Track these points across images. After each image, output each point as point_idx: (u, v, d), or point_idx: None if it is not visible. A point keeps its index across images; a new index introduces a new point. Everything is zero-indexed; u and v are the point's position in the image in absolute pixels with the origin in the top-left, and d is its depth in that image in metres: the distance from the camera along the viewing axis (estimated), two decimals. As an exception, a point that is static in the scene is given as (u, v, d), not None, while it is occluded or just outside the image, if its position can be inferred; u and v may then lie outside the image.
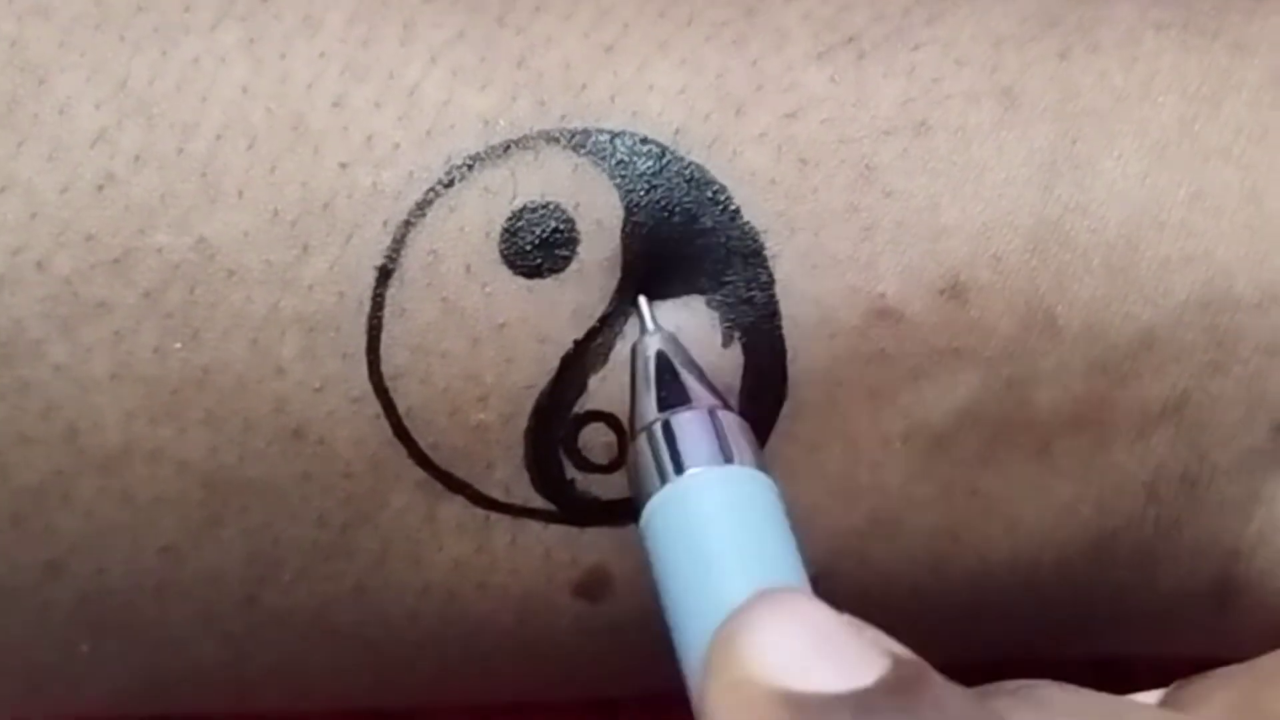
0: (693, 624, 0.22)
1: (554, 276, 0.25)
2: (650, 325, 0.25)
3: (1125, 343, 0.26)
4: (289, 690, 0.28)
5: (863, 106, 0.26)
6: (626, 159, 0.26)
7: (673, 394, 0.25)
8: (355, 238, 0.25)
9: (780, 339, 0.26)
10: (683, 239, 0.26)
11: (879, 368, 0.26)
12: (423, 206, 0.25)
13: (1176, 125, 0.26)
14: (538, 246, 0.25)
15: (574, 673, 0.28)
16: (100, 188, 0.25)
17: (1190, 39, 0.27)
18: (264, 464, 0.25)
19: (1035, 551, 0.27)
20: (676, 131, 0.26)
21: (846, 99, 0.26)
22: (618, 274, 0.25)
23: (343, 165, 0.25)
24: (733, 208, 0.26)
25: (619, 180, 0.26)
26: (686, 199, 0.26)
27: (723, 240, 0.26)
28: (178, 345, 0.25)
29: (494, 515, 0.26)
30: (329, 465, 0.25)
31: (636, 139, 0.26)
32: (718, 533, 0.23)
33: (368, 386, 0.25)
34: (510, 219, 0.25)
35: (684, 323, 0.26)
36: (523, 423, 0.26)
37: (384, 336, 0.25)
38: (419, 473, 0.26)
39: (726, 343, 0.26)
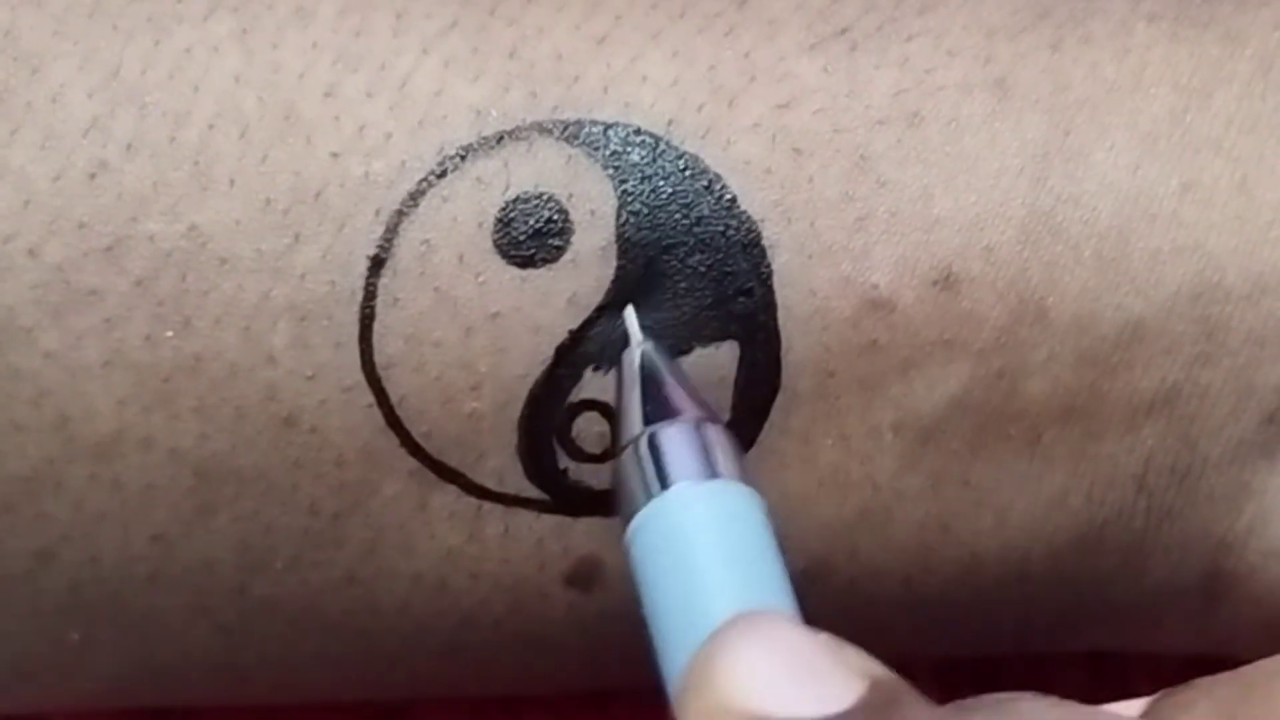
0: (675, 643, 0.22)
1: (547, 267, 0.25)
2: (637, 336, 0.25)
3: (1116, 334, 0.26)
4: (281, 680, 0.28)
5: (856, 97, 0.26)
6: (620, 150, 0.26)
7: (658, 406, 0.24)
8: (347, 227, 0.25)
9: (776, 330, 0.26)
10: (679, 229, 0.26)
11: (870, 358, 0.26)
12: (415, 196, 0.25)
13: (1168, 117, 0.26)
14: (531, 236, 0.25)
15: (566, 664, 0.28)
16: (92, 176, 0.25)
17: (1182, 30, 0.27)
18: (255, 452, 0.25)
19: (1025, 543, 0.27)
20: (670, 122, 0.26)
21: (839, 89, 0.26)
22: (614, 264, 0.25)
23: (335, 155, 0.25)
24: (729, 197, 0.26)
25: (612, 171, 0.26)
26: (681, 189, 0.26)
27: (720, 230, 0.26)
28: (169, 333, 0.25)
29: (486, 504, 0.26)
30: (321, 454, 0.25)
31: (630, 130, 0.26)
32: (701, 550, 0.22)
33: (360, 375, 0.25)
34: (503, 209, 0.25)
35: (680, 315, 0.26)
36: (516, 412, 0.26)
37: (376, 326, 0.25)
38: (411, 462, 0.26)
39: (723, 334, 0.26)
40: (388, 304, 0.25)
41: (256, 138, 0.25)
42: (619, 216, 0.26)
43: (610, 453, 0.26)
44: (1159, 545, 0.27)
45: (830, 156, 0.26)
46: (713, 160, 0.26)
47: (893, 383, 0.26)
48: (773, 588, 0.22)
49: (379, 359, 0.25)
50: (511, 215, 0.25)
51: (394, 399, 0.25)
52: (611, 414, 0.26)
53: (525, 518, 0.26)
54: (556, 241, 0.25)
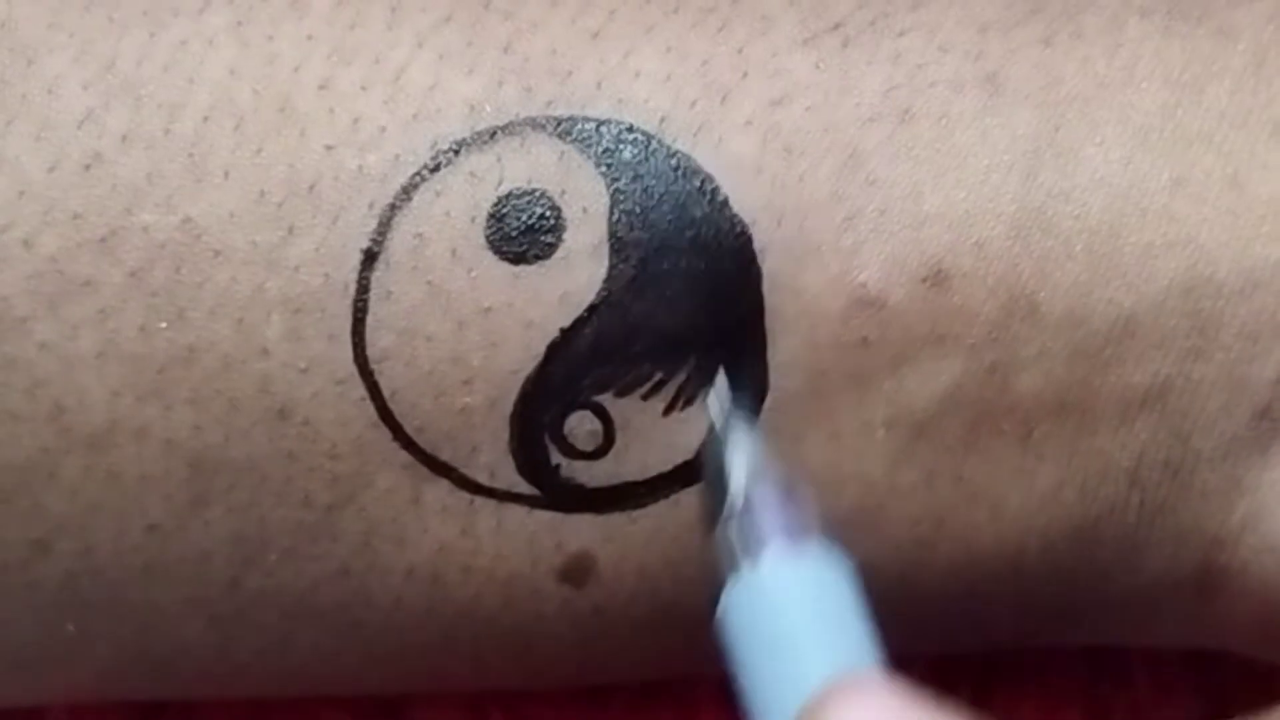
0: (773, 709, 0.22)
1: (540, 263, 0.25)
2: (719, 419, 0.25)
3: (1107, 329, 0.26)
4: (275, 673, 0.28)
5: (847, 93, 0.26)
6: (612, 148, 0.26)
7: (737, 481, 0.24)
8: (341, 220, 0.25)
9: (763, 330, 0.26)
10: (671, 230, 0.26)
11: (861, 355, 0.26)
12: (408, 190, 0.25)
13: (1159, 111, 0.26)
14: (523, 232, 0.25)
15: (559, 660, 0.28)
16: (87, 167, 0.25)
17: (1174, 25, 0.27)
18: (249, 444, 0.25)
19: (1019, 538, 0.27)
20: (662, 119, 0.26)
21: (831, 86, 0.26)
22: (605, 263, 0.26)
23: (329, 147, 0.25)
24: (720, 198, 0.26)
25: (605, 169, 0.26)
26: (673, 189, 0.26)
27: (711, 232, 0.26)
28: (163, 324, 0.25)
29: (479, 499, 0.26)
30: (314, 446, 0.26)
31: (622, 127, 0.26)
32: (793, 616, 0.23)
33: (353, 368, 0.25)
34: (496, 204, 0.25)
35: (672, 315, 0.26)
36: (508, 407, 0.26)
37: (369, 319, 0.25)
38: (404, 455, 0.26)
39: (715, 332, 0.26)
40: (381, 297, 0.25)
41: (251, 130, 0.25)
42: (611, 215, 0.26)
43: (602, 451, 0.26)
44: (1152, 540, 0.27)
45: (821, 155, 0.26)
46: (704, 159, 0.26)
47: (884, 379, 0.26)
48: (865, 650, 0.23)
49: (372, 352, 0.25)
50: (504, 210, 0.26)
51: (387, 393, 0.25)
52: (605, 415, 0.26)
53: (518, 513, 0.26)
54: (549, 238, 0.26)
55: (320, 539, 0.26)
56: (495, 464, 0.26)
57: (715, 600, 0.23)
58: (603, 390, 0.26)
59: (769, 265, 0.25)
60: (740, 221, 0.26)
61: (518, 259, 0.25)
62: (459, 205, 0.25)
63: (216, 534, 0.26)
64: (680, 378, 0.26)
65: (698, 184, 0.26)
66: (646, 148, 0.26)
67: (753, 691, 0.23)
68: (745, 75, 0.26)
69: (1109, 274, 0.26)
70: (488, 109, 0.26)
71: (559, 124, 0.26)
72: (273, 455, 0.26)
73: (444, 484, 0.26)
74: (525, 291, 0.25)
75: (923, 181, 0.26)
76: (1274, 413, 0.26)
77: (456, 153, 0.25)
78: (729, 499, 0.24)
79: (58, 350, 0.25)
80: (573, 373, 0.26)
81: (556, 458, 0.26)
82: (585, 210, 0.26)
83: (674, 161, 0.26)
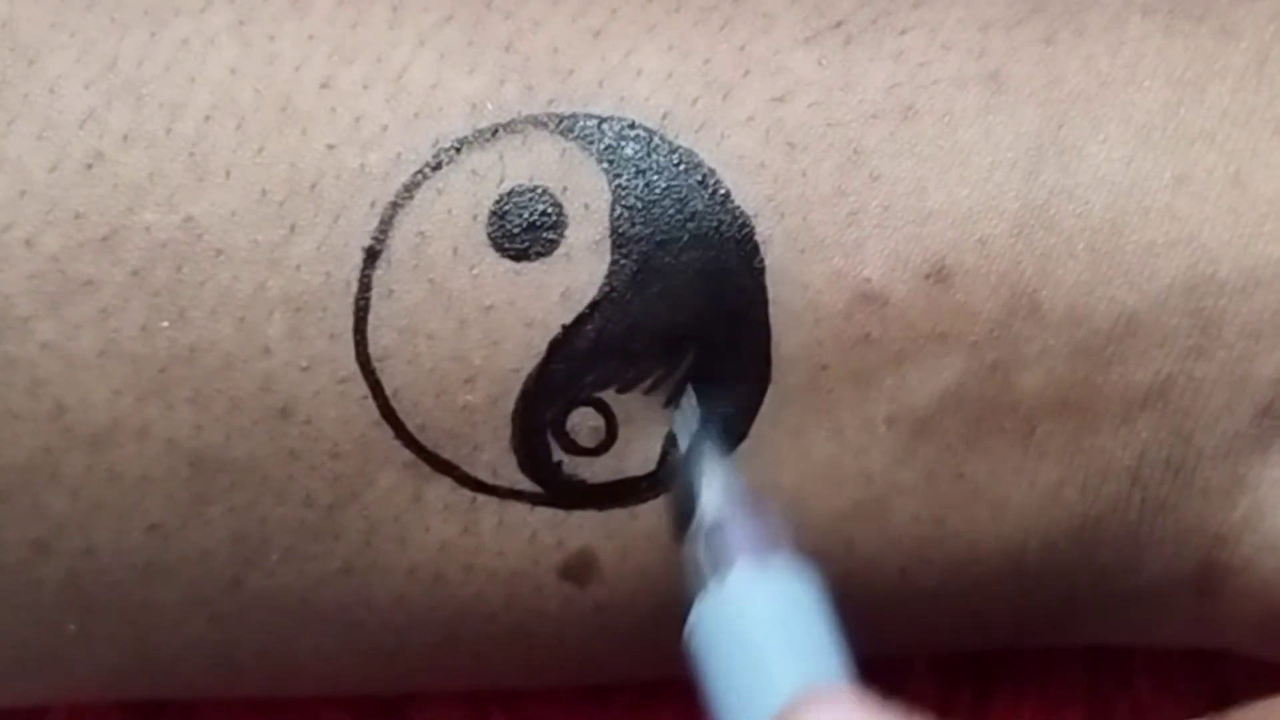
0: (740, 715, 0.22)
1: (541, 260, 0.25)
2: (686, 440, 0.26)
3: (1109, 327, 0.26)
4: (277, 673, 0.28)
5: (850, 90, 0.26)
6: (614, 143, 0.26)
7: (713, 491, 0.25)
8: (342, 218, 0.25)
9: (768, 324, 0.26)
10: (673, 224, 0.26)
11: (863, 352, 0.26)
12: (410, 188, 0.25)
13: (1161, 110, 0.26)
14: (525, 229, 0.25)
15: (562, 658, 0.28)
16: (89, 166, 0.25)
17: (1176, 24, 0.27)
18: (250, 443, 0.25)
19: (1021, 536, 0.27)
20: (664, 116, 0.26)
21: (834, 83, 0.26)
22: (607, 258, 0.26)
23: (330, 146, 0.25)
24: (722, 191, 0.26)
25: (607, 165, 0.26)
26: (675, 183, 0.26)
27: (714, 225, 0.26)
28: (165, 324, 0.25)
29: (480, 497, 0.26)
30: (316, 445, 0.26)
31: (624, 124, 0.26)
32: (762, 629, 0.23)
33: (355, 367, 0.25)
34: (498, 202, 0.25)
35: (673, 309, 0.26)
36: (510, 405, 0.26)
37: (371, 317, 0.25)
38: (406, 454, 0.26)
39: (717, 327, 0.26)
40: (382, 295, 0.25)
41: (252, 129, 0.25)
42: (613, 211, 0.26)
43: (604, 447, 0.26)
44: (1153, 538, 0.27)
45: (824, 150, 0.26)
46: (707, 154, 0.26)
47: (886, 376, 0.26)
48: (832, 662, 0.23)
49: (373, 351, 0.25)
50: (506, 208, 0.26)
51: (388, 391, 0.25)
52: (607, 411, 0.26)
53: (519, 510, 0.26)
54: (550, 235, 0.26)
55: (322, 538, 0.26)
56: (497, 462, 0.26)
57: (684, 615, 0.24)
58: (605, 386, 0.26)
59: (772, 258, 0.26)
60: (743, 214, 0.26)
61: (519, 256, 0.25)
62: (461, 203, 0.25)
63: (218, 533, 0.26)
64: (682, 373, 0.26)
65: (699, 178, 0.26)
66: (649, 144, 0.26)
67: (722, 705, 0.23)
68: (747, 73, 0.26)
69: (1111, 272, 0.26)
70: (489, 107, 0.26)
71: (561, 121, 0.26)
72: (274, 454, 0.26)
73: (446, 482, 0.26)
74: (527, 289, 0.25)
75: (926, 178, 0.26)
76: (1276, 410, 0.26)
77: (458, 151, 0.25)
78: (696, 517, 0.25)
79: (59, 350, 0.25)
80: (575, 369, 0.26)
81: (558, 454, 0.26)
82: (587, 207, 0.26)
83: (676, 157, 0.26)
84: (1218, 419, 0.26)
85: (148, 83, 0.25)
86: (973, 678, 0.32)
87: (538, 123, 0.26)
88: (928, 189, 0.26)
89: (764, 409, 0.26)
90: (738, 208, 0.26)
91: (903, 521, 0.27)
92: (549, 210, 0.26)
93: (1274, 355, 0.26)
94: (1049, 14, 0.27)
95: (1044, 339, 0.26)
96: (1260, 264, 0.25)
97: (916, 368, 0.26)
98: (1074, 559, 0.27)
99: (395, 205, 0.25)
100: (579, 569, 0.27)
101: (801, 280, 0.25)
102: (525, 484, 0.26)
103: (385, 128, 0.25)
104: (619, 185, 0.26)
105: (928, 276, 0.26)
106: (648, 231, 0.26)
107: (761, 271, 0.26)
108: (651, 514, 0.26)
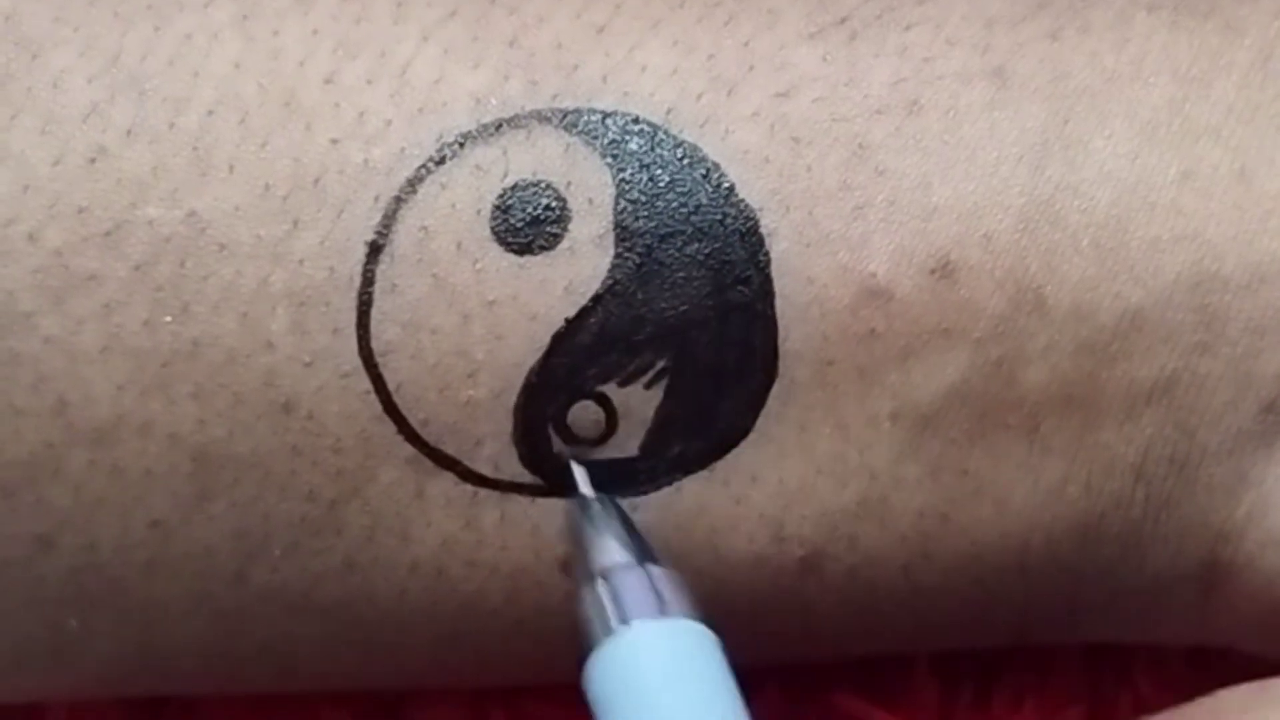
0: None
1: (545, 254, 0.25)
2: (588, 492, 0.26)
3: (1114, 323, 0.26)
4: (279, 669, 0.28)
5: (855, 86, 0.26)
6: (618, 138, 0.26)
7: (606, 552, 0.25)
8: (346, 213, 0.25)
9: (774, 318, 0.26)
10: (677, 217, 0.26)
11: (869, 347, 0.26)
12: (414, 183, 0.25)
13: (1167, 106, 0.26)
14: (529, 224, 0.25)
15: (563, 654, 0.28)
16: (92, 161, 0.25)
17: (1181, 20, 0.27)
18: (253, 438, 0.25)
19: (1024, 532, 0.27)
20: (668, 111, 0.26)
21: (839, 78, 0.26)
22: (611, 252, 0.26)
23: (334, 141, 0.25)
24: (726, 185, 0.26)
25: (610, 159, 0.26)
26: (679, 177, 0.26)
27: (718, 218, 0.26)
28: (168, 318, 0.25)
29: (482, 492, 0.26)
30: (318, 440, 0.25)
31: (628, 119, 0.26)
32: (658, 685, 0.23)
33: (357, 362, 0.25)
34: (501, 196, 0.25)
35: (677, 304, 0.26)
36: (512, 399, 0.26)
37: (374, 312, 0.25)
38: (408, 449, 0.26)
39: (721, 320, 0.26)
40: (385, 290, 0.25)
41: (256, 124, 0.25)
42: (617, 205, 0.26)
43: (606, 439, 0.26)
44: (1157, 535, 0.27)
45: (829, 145, 0.26)
46: (711, 149, 0.26)
47: (891, 371, 0.26)
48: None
49: (376, 345, 0.25)
50: (510, 202, 0.25)
51: (391, 386, 0.25)
52: (608, 403, 0.26)
53: (521, 504, 0.26)
54: (554, 229, 0.25)
55: (324, 533, 0.26)
56: (499, 456, 0.26)
57: (581, 656, 0.24)
58: (607, 380, 0.26)
59: (777, 251, 0.26)
60: (747, 207, 0.26)
61: (523, 250, 0.25)
62: (464, 198, 0.25)
63: (220, 529, 0.26)
64: (684, 366, 0.26)
65: (703, 173, 0.26)
66: (653, 138, 0.26)
67: None
68: (752, 68, 0.26)
69: (1116, 268, 0.26)
70: (493, 102, 0.26)
71: (565, 116, 0.26)
72: (277, 449, 0.26)
73: (448, 477, 0.26)
74: (530, 283, 0.25)
75: (931, 173, 0.26)
76: (1279, 407, 0.26)
77: (462, 145, 0.25)
78: (594, 574, 0.25)
79: (62, 345, 0.25)
80: (577, 363, 0.26)
81: (560, 447, 0.26)
82: (591, 201, 0.25)
83: (680, 151, 0.26)
84: (1222, 415, 0.26)
85: (151, 77, 0.25)
86: (972, 678, 0.32)
87: (542, 118, 0.26)
88: (933, 184, 0.26)
89: (769, 404, 0.26)
90: (742, 201, 0.26)
91: (906, 517, 0.27)
92: (553, 205, 0.26)
93: (1278, 351, 0.26)
94: (1054, 10, 0.27)
95: (1049, 335, 0.26)
96: (1265, 260, 0.25)
97: (921, 363, 0.26)
98: (1078, 555, 0.27)
99: (399, 200, 0.25)
100: (580, 563, 0.27)
101: (807, 275, 0.25)
102: (527, 478, 0.26)
103: (389, 122, 0.25)
104: (623, 180, 0.26)
105: (933, 272, 0.26)
106: (651, 225, 0.26)
107: (767, 265, 0.26)
108: (651, 507, 0.26)
